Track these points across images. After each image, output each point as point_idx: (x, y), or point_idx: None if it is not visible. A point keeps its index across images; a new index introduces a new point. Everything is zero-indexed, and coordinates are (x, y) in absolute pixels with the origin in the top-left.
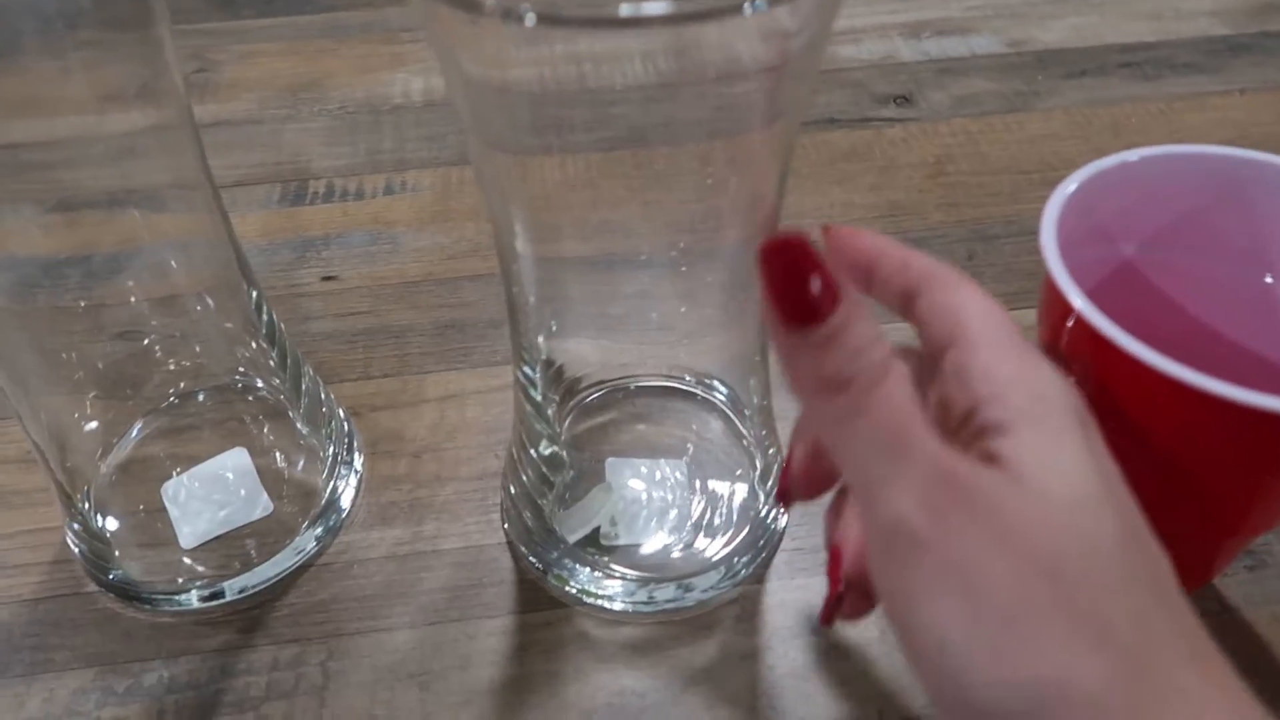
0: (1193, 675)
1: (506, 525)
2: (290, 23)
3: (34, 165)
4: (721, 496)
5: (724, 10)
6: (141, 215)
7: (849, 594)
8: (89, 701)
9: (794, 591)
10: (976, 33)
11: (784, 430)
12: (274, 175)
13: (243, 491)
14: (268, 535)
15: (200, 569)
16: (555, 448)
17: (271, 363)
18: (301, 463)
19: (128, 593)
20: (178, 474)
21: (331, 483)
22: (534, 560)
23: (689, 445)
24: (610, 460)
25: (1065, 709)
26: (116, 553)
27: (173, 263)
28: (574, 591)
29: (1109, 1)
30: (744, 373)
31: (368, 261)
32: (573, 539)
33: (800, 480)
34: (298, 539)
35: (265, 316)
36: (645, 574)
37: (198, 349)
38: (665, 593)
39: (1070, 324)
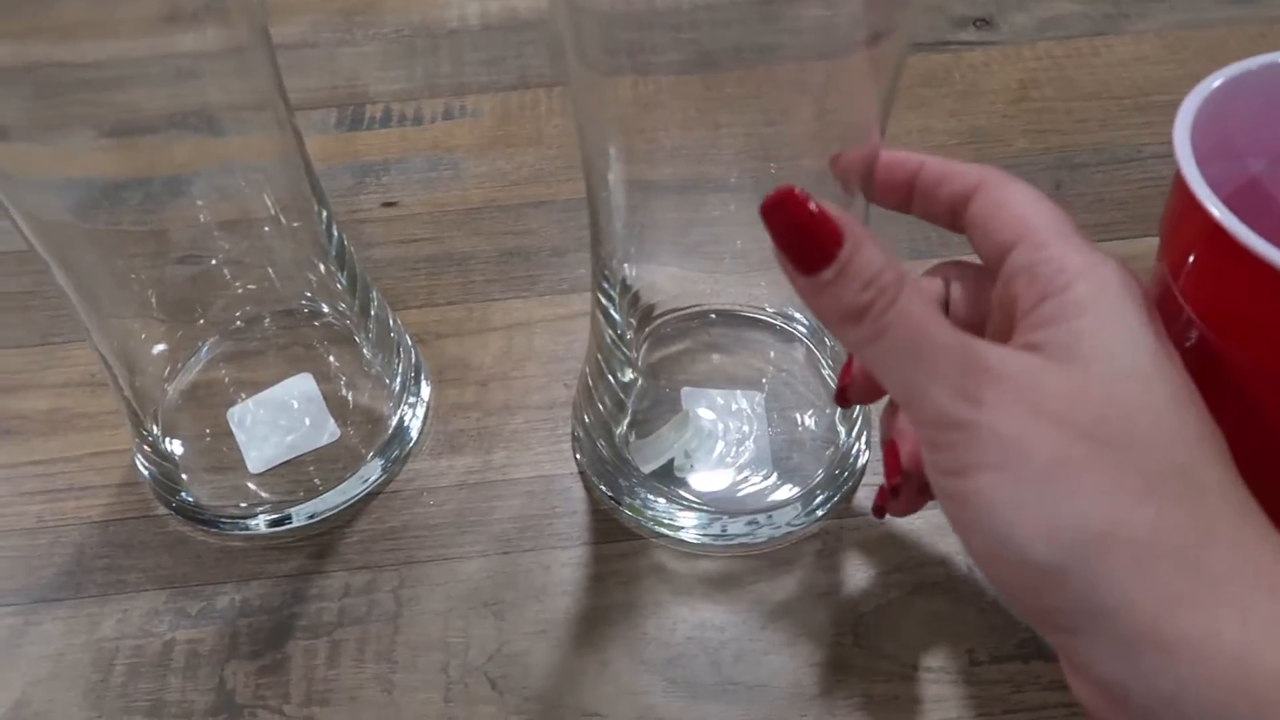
0: (1244, 527)
1: (579, 455)
2: None
3: (102, 84)
4: (800, 429)
5: None
6: (213, 135)
7: (904, 487)
8: (162, 623)
9: (878, 528)
10: None
11: None
12: (330, 99)
13: (308, 418)
14: (335, 462)
15: (267, 494)
16: (634, 374)
17: (339, 286)
18: (368, 389)
19: (196, 516)
20: (243, 399)
21: (399, 410)
22: (607, 490)
23: (766, 376)
24: (686, 390)
25: (1113, 556)
26: (184, 476)
27: (243, 183)
28: (648, 523)
29: None
30: None
31: (428, 187)
32: (647, 469)
33: (858, 383)
34: (364, 467)
35: (335, 239)
36: (721, 507)
37: (268, 271)
38: (742, 527)
39: (1203, 239)
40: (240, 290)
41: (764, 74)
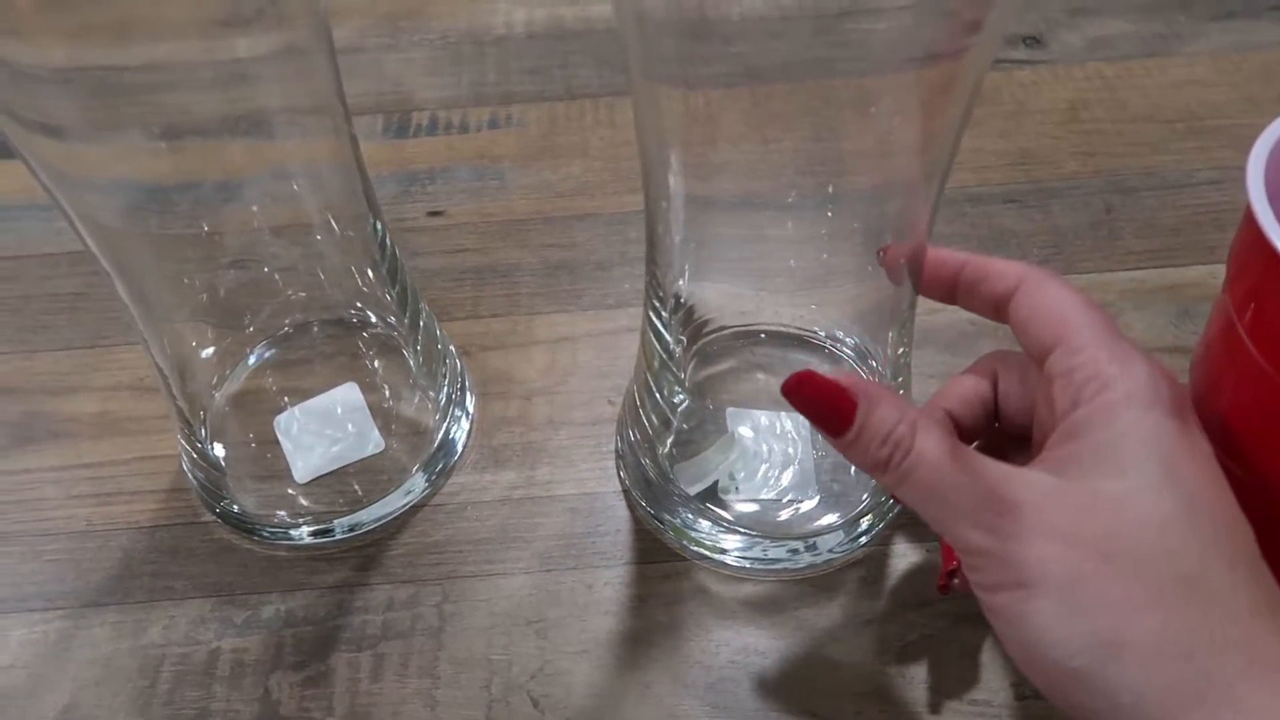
0: (1256, 628)
1: (623, 473)
2: None
3: (157, 87)
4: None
5: None
6: (269, 139)
7: (959, 573)
8: (209, 631)
9: (922, 556)
10: None
11: (919, 385)
12: (376, 106)
13: (353, 428)
14: (379, 474)
15: (311, 505)
16: (683, 394)
17: (389, 297)
18: (414, 401)
19: (240, 524)
20: (289, 406)
21: (445, 423)
22: (651, 510)
23: None
24: (731, 410)
25: (1125, 660)
26: (230, 483)
27: (298, 189)
28: (691, 544)
29: None
30: (880, 324)
31: (474, 197)
32: (692, 490)
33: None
34: (409, 479)
35: (387, 249)
36: (765, 530)
37: (319, 279)
38: (786, 551)
39: (1271, 278)
40: (290, 297)
41: (824, 90)
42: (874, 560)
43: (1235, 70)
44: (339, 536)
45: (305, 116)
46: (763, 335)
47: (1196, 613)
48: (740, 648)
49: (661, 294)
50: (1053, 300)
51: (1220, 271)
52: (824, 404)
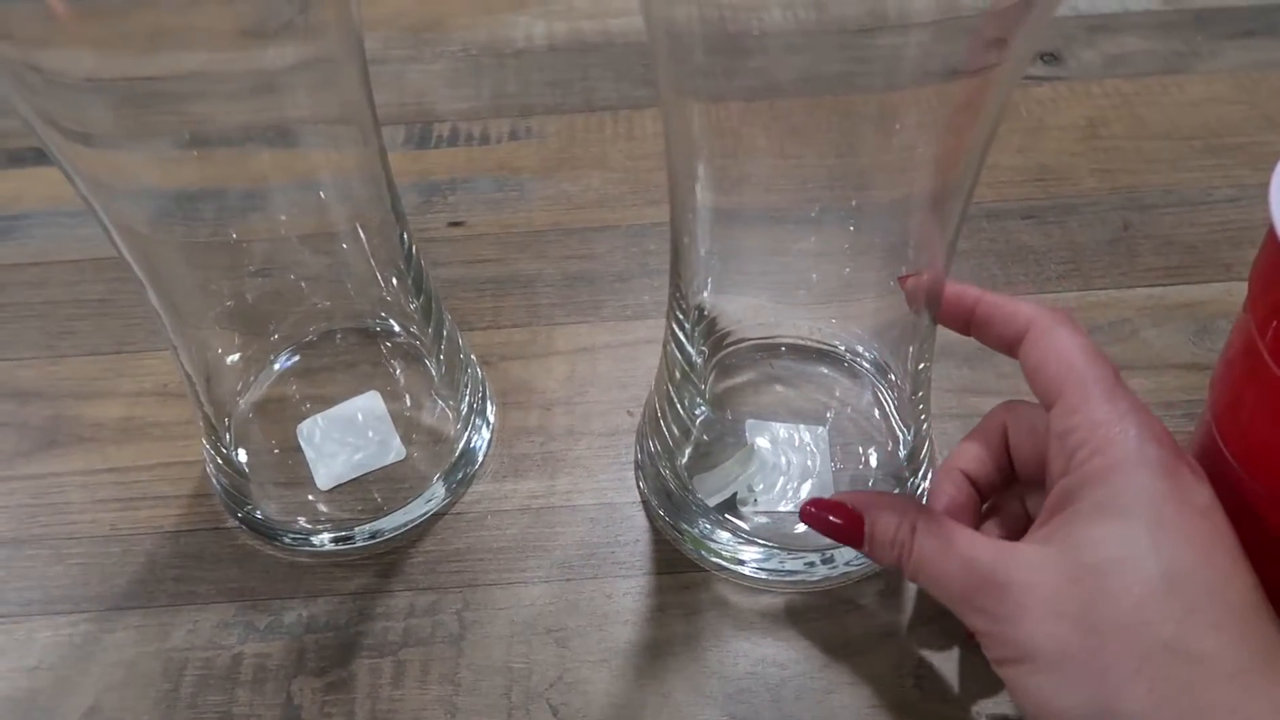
0: (1235, 690)
1: (642, 483)
2: None
3: (187, 96)
4: (863, 467)
5: None
6: (298, 148)
7: None
8: (232, 635)
9: None
10: None
11: (939, 399)
12: (398, 116)
13: (375, 436)
14: (401, 482)
15: (332, 512)
16: (704, 405)
17: (411, 306)
18: (434, 410)
19: (263, 530)
20: (311, 413)
21: (466, 433)
22: (669, 520)
23: (830, 411)
24: (750, 422)
25: None
26: (253, 489)
27: (327, 198)
28: (710, 555)
29: None
30: (901, 339)
31: (494, 208)
32: (711, 502)
33: None
34: (430, 488)
35: (413, 259)
36: (782, 542)
37: (343, 288)
38: (804, 563)
39: None
40: (315, 305)
41: (848, 105)
42: (892, 574)
43: (1253, 88)
44: (360, 543)
45: (336, 126)
46: (783, 348)
47: (1181, 678)
48: (759, 659)
49: (684, 306)
50: (1058, 349)
51: (1238, 289)
52: (837, 525)
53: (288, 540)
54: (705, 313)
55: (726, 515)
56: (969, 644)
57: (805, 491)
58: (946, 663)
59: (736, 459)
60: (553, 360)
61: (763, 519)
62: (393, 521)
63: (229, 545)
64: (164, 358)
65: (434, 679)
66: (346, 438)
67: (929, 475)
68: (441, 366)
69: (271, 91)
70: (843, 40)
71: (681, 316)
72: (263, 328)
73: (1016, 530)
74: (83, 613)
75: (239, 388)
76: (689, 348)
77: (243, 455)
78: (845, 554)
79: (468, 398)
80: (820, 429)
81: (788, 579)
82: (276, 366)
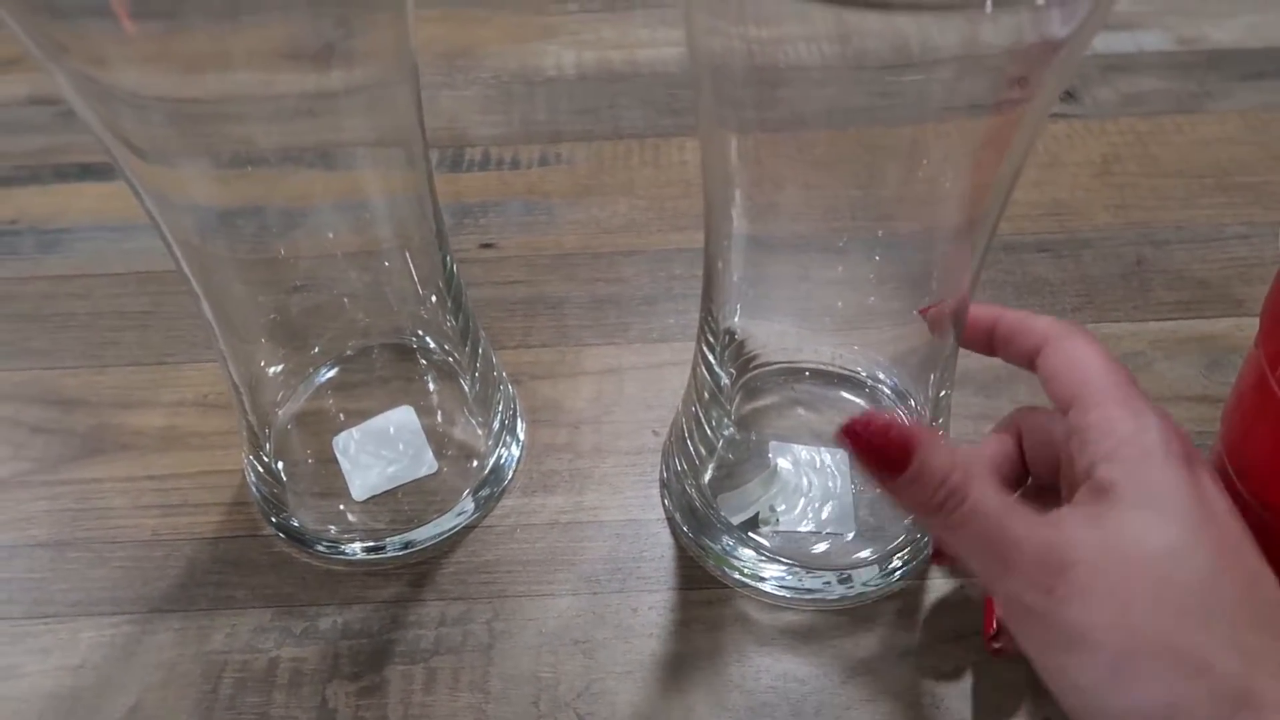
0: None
1: (667, 501)
2: None
3: (243, 117)
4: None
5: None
6: (351, 169)
7: (1003, 635)
8: (268, 640)
9: (957, 591)
10: (1145, 28)
11: (954, 426)
12: (431, 140)
13: (409, 450)
14: (433, 494)
15: (365, 522)
16: (731, 426)
17: (449, 325)
18: (468, 426)
19: (298, 537)
20: (346, 426)
21: (497, 449)
22: (693, 537)
23: None
24: (774, 443)
25: None
26: (290, 498)
27: (374, 217)
28: (733, 573)
29: None
30: (922, 367)
31: (524, 231)
32: (735, 520)
33: None
34: (460, 501)
35: (454, 279)
36: (802, 561)
37: (387, 304)
38: (823, 583)
39: None
40: (355, 321)
41: (876, 138)
42: (911, 594)
43: (1264, 129)
44: (391, 554)
45: (388, 149)
46: (806, 372)
47: (1234, 669)
48: (780, 674)
49: (715, 329)
50: (1074, 356)
51: (1248, 324)
52: (885, 443)
53: (322, 548)
54: (735, 336)
55: (749, 533)
56: (995, 661)
57: (826, 513)
58: (962, 682)
59: (760, 480)
60: (580, 380)
61: (783, 538)
62: (425, 533)
63: (266, 552)
64: (204, 370)
65: (464, 686)
66: (381, 450)
67: None
68: (476, 384)
69: (326, 114)
70: (867, 75)
71: (712, 339)
72: (304, 341)
73: None
74: (125, 614)
75: (278, 398)
76: (718, 370)
77: (280, 465)
78: (862, 574)
79: (500, 415)
80: (841, 452)
81: (806, 596)
82: (316, 379)
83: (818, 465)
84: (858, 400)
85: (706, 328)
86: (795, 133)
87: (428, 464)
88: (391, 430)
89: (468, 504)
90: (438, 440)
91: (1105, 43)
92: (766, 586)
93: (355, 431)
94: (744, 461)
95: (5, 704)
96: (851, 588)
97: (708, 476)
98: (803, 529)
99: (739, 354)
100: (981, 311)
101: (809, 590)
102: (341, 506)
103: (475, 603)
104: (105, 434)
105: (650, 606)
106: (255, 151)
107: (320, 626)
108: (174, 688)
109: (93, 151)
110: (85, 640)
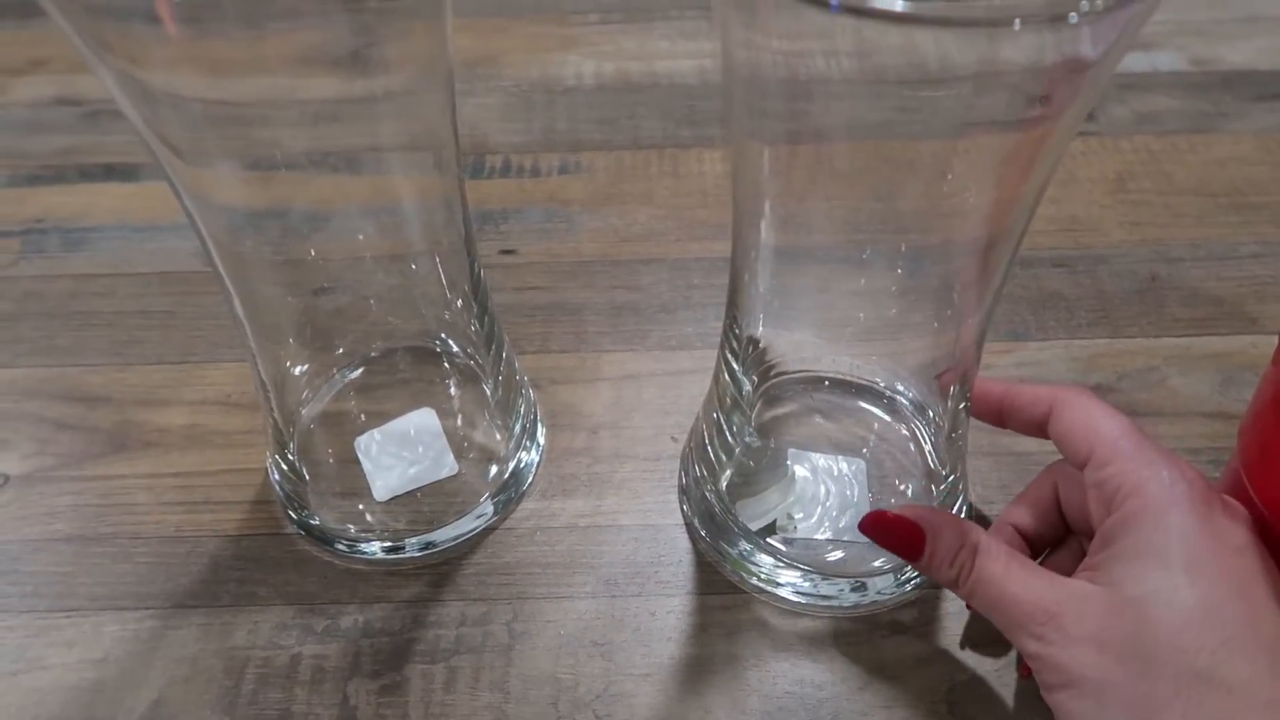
0: (1268, 717)
1: (686, 506)
2: None
3: (279, 121)
4: (899, 501)
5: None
6: (385, 174)
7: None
8: (290, 637)
9: None
10: (1160, 49)
11: (976, 439)
12: None
13: (430, 452)
14: (453, 496)
15: (385, 522)
16: (752, 433)
17: (473, 329)
18: (489, 429)
19: (318, 536)
20: (368, 427)
21: (518, 452)
22: (711, 542)
23: (869, 445)
24: (793, 451)
25: None
26: (313, 498)
27: (405, 220)
28: (750, 578)
29: None
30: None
31: (544, 238)
32: (754, 527)
33: None
34: (480, 504)
35: (481, 284)
36: (818, 568)
37: (414, 307)
38: (839, 589)
39: None
40: (380, 323)
41: (902, 153)
42: (927, 603)
43: (1278, 149)
44: (411, 554)
45: (421, 153)
46: (826, 382)
47: (1214, 706)
48: (797, 679)
49: (739, 337)
50: (1081, 417)
51: (1263, 342)
52: (898, 537)
53: (342, 547)
54: (758, 345)
55: (767, 539)
56: (1022, 676)
57: (844, 521)
58: (978, 689)
59: (778, 488)
60: (599, 386)
61: (800, 544)
62: (444, 535)
63: (288, 550)
64: (226, 370)
65: (484, 686)
66: (402, 452)
67: (964, 512)
68: (498, 389)
69: (363, 118)
70: (891, 91)
71: (736, 347)
72: (329, 342)
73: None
74: (148, 609)
75: (303, 398)
76: (741, 377)
77: (304, 464)
78: (877, 582)
79: (521, 419)
80: (859, 461)
81: (822, 603)
82: (340, 380)
83: (835, 473)
84: (876, 410)
85: (730, 335)
86: (824, 146)
87: (448, 466)
88: (413, 432)
89: (487, 507)
90: (458, 443)
91: (1121, 62)
92: (783, 592)
93: (377, 433)
94: (762, 468)
95: (29, 696)
96: (866, 595)
97: (726, 482)
98: (819, 536)
99: (760, 361)
100: (990, 386)
101: (824, 597)
102: (362, 506)
103: (495, 604)
104: (129, 431)
105: (669, 610)
106: (290, 154)
107: (342, 625)
108: (196, 682)
109: (117, 152)
110: (109, 634)
